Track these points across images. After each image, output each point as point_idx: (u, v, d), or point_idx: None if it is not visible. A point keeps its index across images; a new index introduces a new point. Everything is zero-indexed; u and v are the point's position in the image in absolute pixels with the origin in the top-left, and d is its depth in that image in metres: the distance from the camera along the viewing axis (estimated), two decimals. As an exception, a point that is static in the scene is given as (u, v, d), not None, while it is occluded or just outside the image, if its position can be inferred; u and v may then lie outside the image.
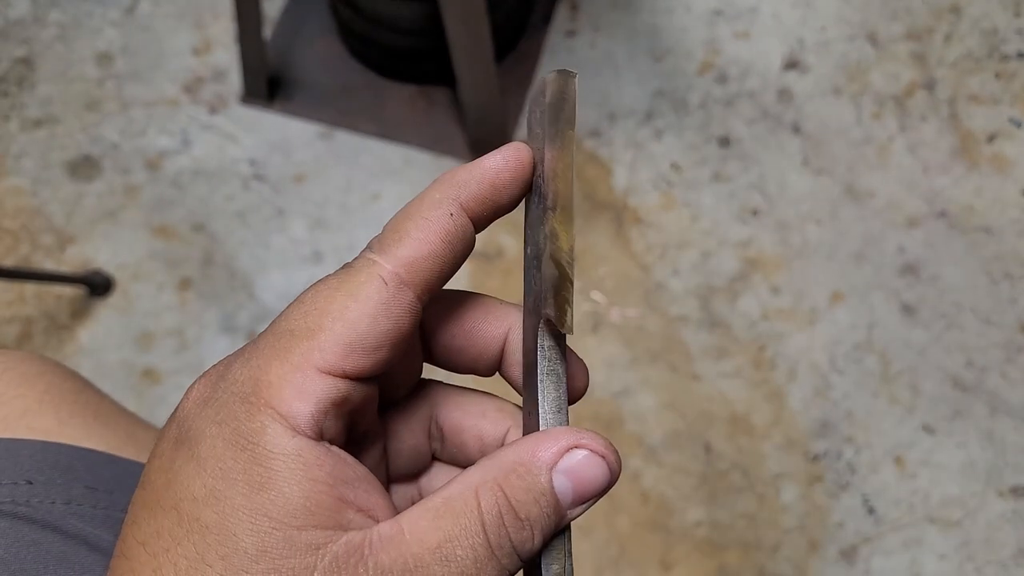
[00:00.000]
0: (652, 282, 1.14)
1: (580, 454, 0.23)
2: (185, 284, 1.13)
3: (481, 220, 0.25)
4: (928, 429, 1.09)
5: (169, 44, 1.23)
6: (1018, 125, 1.21)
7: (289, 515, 0.20)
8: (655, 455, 1.07)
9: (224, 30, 1.24)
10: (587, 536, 1.04)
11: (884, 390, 1.10)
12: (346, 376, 0.22)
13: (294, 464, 0.21)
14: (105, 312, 1.12)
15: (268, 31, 1.22)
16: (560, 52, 1.24)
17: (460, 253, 0.24)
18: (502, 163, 0.25)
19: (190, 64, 1.22)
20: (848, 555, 1.05)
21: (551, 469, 0.23)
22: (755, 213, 1.17)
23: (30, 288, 1.12)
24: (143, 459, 0.41)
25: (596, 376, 1.10)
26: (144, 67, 1.22)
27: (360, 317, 0.22)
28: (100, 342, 1.10)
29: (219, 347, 1.10)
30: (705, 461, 1.07)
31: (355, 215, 1.16)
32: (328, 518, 0.21)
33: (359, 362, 0.22)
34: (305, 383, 0.21)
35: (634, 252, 1.15)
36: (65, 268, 1.12)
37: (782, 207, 1.17)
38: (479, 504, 0.22)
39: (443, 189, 0.24)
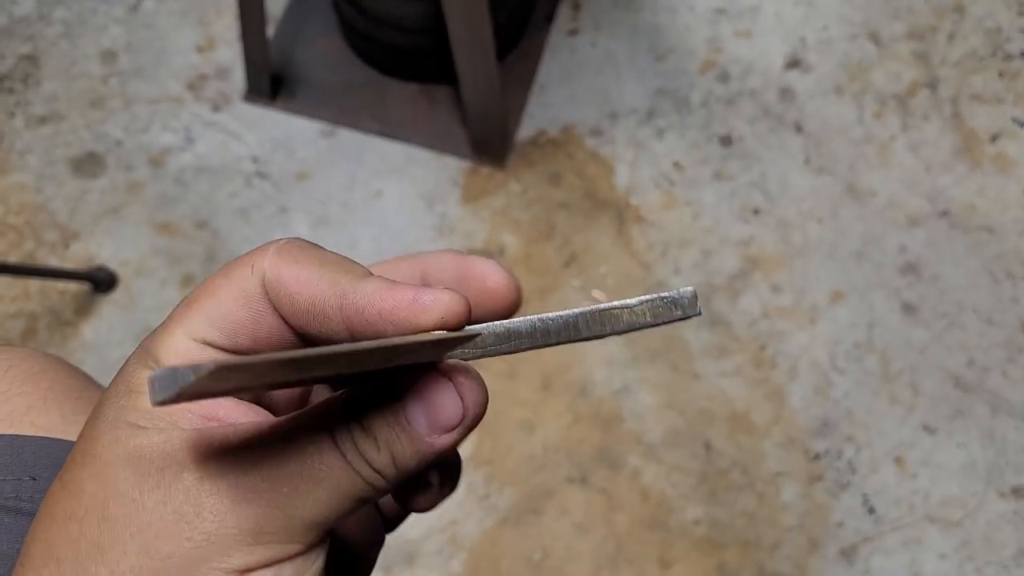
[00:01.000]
0: (653, 280, 1.14)
1: (438, 389, 0.24)
2: (188, 280, 1.13)
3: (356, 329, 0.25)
4: (929, 428, 1.09)
5: (173, 41, 1.24)
6: (1021, 125, 1.21)
7: (130, 412, 0.23)
8: (655, 453, 1.08)
9: (227, 28, 1.24)
10: (586, 533, 1.04)
11: (885, 389, 1.10)
12: (206, 343, 0.24)
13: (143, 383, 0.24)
14: (108, 308, 1.12)
15: (271, 29, 1.22)
16: (562, 51, 1.24)
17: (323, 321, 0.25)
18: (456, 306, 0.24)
19: (194, 62, 1.23)
20: (848, 554, 1.05)
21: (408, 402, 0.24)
22: (756, 212, 1.17)
23: (34, 284, 1.12)
24: None
25: (596, 374, 1.10)
26: (148, 64, 1.23)
27: (224, 294, 0.24)
28: (103, 338, 1.11)
29: (221, 343, 1.10)
30: (705, 459, 1.07)
31: (357, 212, 1.16)
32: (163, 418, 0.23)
33: (214, 335, 0.24)
34: (170, 339, 0.24)
35: (635, 250, 1.15)
36: (69, 264, 1.13)
37: (783, 206, 1.17)
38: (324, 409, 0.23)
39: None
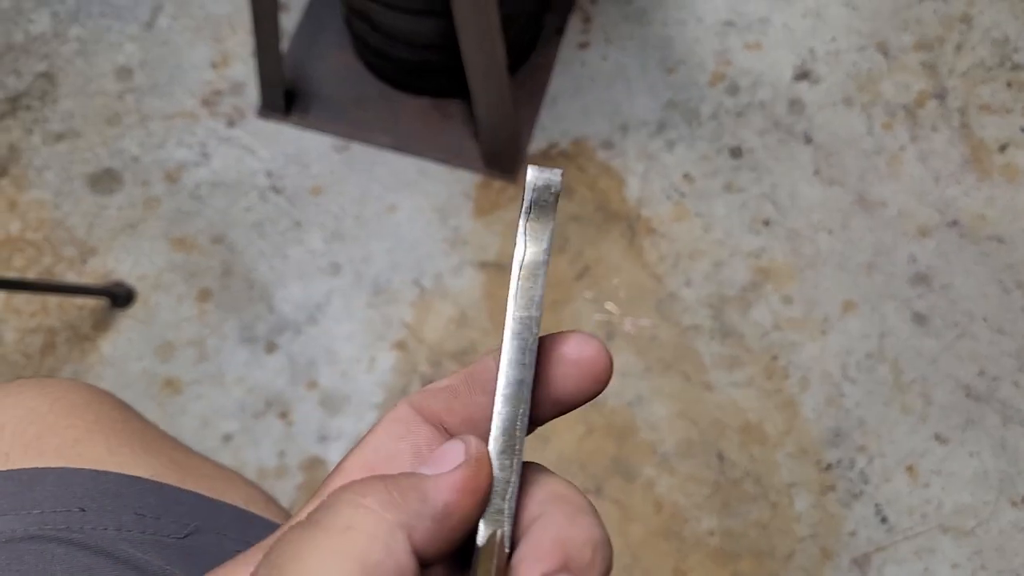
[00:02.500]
0: (665, 292, 1.15)
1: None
2: (204, 295, 1.15)
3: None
4: (940, 438, 1.10)
5: (187, 58, 1.25)
6: (1030, 134, 1.22)
7: None
8: (668, 464, 1.08)
9: (241, 44, 1.26)
10: (601, 544, 1.05)
11: (896, 399, 1.11)
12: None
13: None
14: (126, 323, 1.13)
15: (284, 45, 1.23)
16: (572, 64, 1.25)
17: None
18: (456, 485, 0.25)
19: (208, 77, 1.24)
20: (861, 564, 1.05)
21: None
22: (767, 223, 1.18)
23: (53, 299, 1.14)
24: (186, 485, 0.44)
25: (609, 386, 1.11)
26: (163, 81, 1.24)
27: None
28: (122, 353, 1.12)
29: (238, 357, 1.12)
30: (718, 470, 1.08)
31: (370, 226, 1.18)
32: None
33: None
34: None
35: (647, 262, 1.16)
36: (87, 279, 1.14)
37: (794, 217, 1.18)
38: None
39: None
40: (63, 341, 1.13)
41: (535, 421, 0.27)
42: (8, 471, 0.41)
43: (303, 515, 0.24)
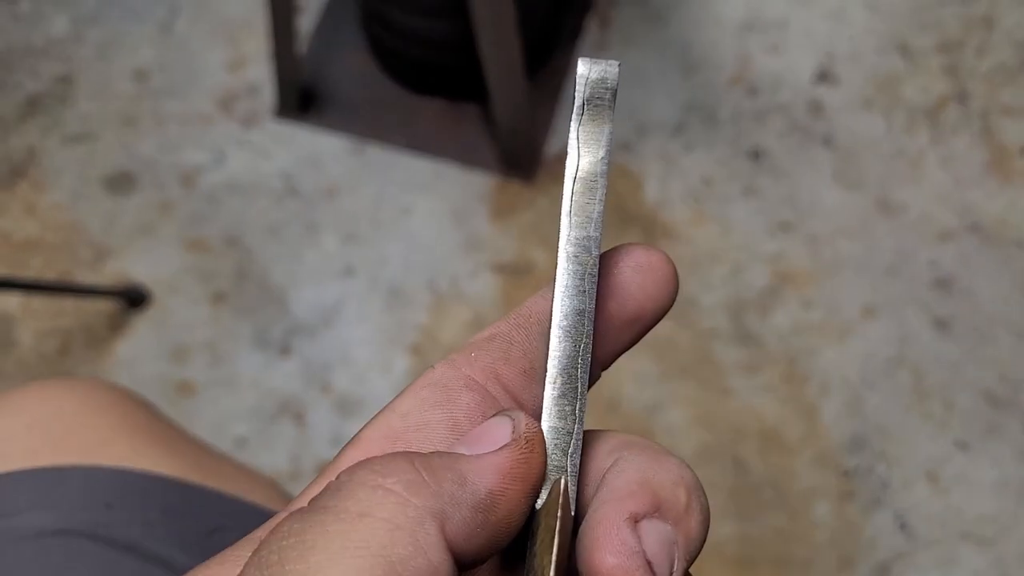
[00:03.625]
0: (682, 296, 1.14)
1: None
2: (219, 298, 1.15)
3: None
4: (961, 445, 1.08)
5: (204, 60, 1.25)
6: (1052, 137, 1.20)
7: None
8: (685, 470, 1.08)
9: (257, 46, 1.26)
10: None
11: (916, 405, 1.10)
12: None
13: None
14: (142, 325, 1.13)
15: (301, 47, 1.23)
16: (589, 66, 1.24)
17: None
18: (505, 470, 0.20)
19: (224, 80, 1.24)
20: (881, 572, 1.04)
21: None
22: (786, 227, 1.17)
23: (69, 301, 1.14)
24: (209, 484, 0.44)
25: (625, 390, 1.10)
26: (180, 83, 1.24)
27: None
28: (137, 355, 1.12)
29: (252, 361, 1.11)
30: (736, 476, 1.07)
31: (386, 229, 1.17)
32: None
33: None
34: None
35: (664, 266, 1.15)
36: (103, 282, 1.14)
37: (813, 221, 1.17)
38: None
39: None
40: (79, 343, 1.13)
41: (598, 362, 0.23)
42: (35, 469, 0.41)
43: (304, 500, 0.20)
